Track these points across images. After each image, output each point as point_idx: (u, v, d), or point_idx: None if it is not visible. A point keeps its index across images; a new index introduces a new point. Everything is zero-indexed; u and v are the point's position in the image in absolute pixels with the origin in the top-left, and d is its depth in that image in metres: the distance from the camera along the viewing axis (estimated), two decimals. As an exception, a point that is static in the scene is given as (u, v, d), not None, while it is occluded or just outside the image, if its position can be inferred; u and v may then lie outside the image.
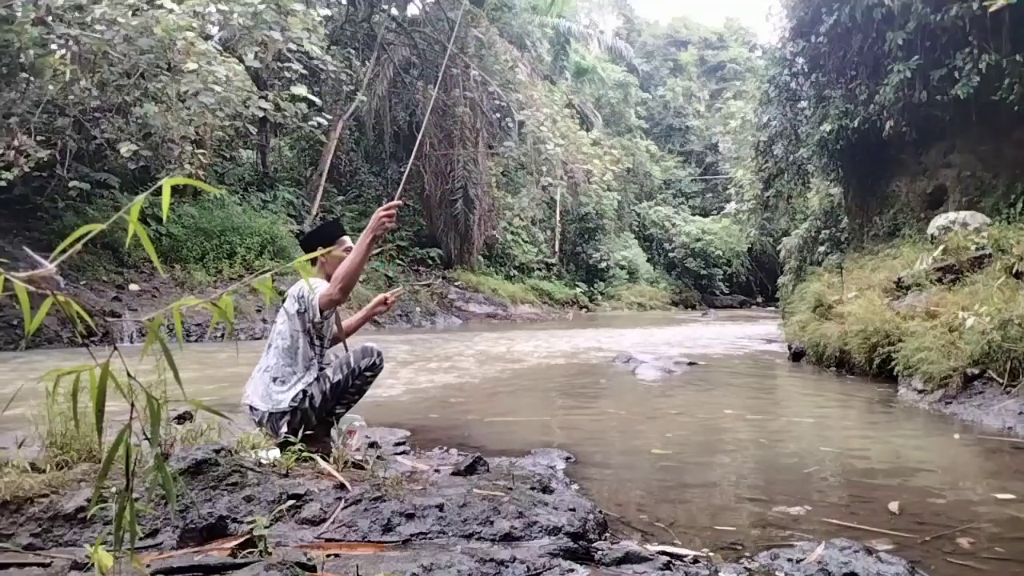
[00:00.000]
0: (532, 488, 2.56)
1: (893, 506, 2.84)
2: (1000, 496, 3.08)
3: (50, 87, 10.27)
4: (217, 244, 14.19)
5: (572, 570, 1.91)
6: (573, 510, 2.36)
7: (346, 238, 3.39)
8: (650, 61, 39.53)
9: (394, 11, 20.56)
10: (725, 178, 29.74)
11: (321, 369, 3.27)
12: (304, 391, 3.18)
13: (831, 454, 3.99)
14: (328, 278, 3.16)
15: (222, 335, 10.78)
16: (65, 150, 10.82)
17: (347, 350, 3.37)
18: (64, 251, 1.06)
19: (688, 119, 38.05)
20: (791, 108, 12.82)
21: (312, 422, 3.18)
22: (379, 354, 3.30)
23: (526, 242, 25.19)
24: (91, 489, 2.21)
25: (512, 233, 24.35)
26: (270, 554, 1.86)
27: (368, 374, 3.29)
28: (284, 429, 3.13)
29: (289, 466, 2.56)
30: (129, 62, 10.31)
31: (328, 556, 1.90)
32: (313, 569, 1.78)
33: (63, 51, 10.02)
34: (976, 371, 5.29)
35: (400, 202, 3.19)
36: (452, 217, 20.62)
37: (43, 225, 11.56)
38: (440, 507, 2.25)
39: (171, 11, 9.88)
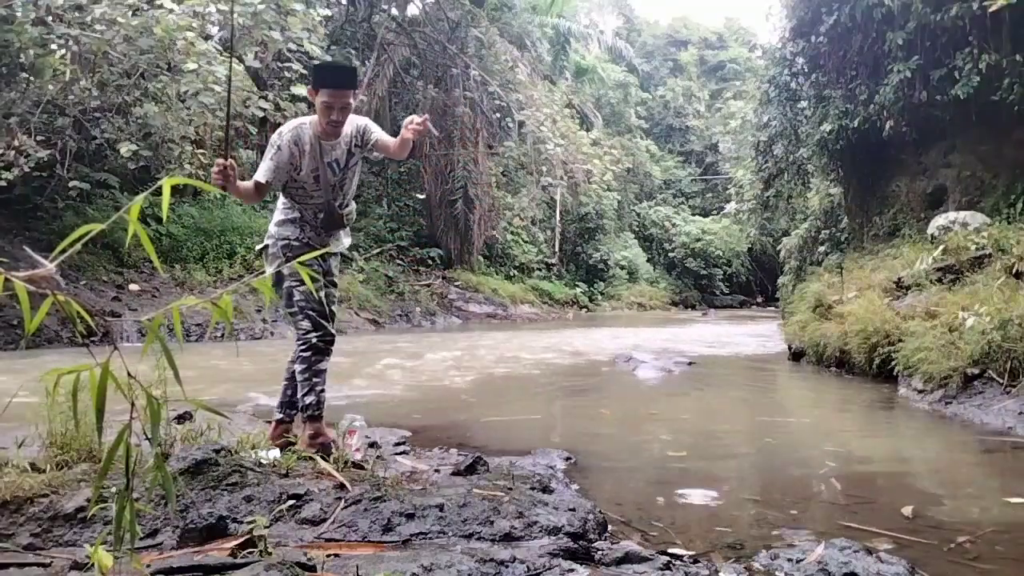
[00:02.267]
0: (532, 488, 2.56)
1: (907, 510, 2.82)
2: (1002, 497, 3.08)
3: (50, 87, 10.26)
4: (217, 244, 14.19)
5: (572, 570, 1.91)
6: (573, 510, 2.36)
7: (329, 91, 3.13)
8: (650, 61, 39.52)
9: (394, 11, 20.56)
10: (725, 178, 29.74)
11: (298, 217, 3.31)
12: (272, 232, 3.36)
13: (831, 454, 3.99)
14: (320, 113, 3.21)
15: (222, 335, 10.78)
16: (65, 150, 10.81)
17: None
18: (64, 251, 1.06)
19: (688, 119, 38.03)
20: (791, 108, 12.83)
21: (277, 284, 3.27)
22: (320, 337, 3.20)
23: (526, 242, 25.18)
24: (91, 489, 2.21)
25: (512, 233, 24.34)
26: (270, 554, 1.86)
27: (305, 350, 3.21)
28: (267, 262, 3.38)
29: (289, 466, 2.56)
30: (129, 62, 10.30)
31: (328, 556, 1.90)
32: (313, 569, 1.78)
33: (63, 51, 10.01)
34: (976, 371, 5.29)
35: (231, 162, 2.97)
36: (452, 217, 20.61)
37: (43, 225, 11.55)
38: (440, 507, 2.25)
39: (171, 11, 9.87)
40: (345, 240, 3.57)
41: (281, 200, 3.37)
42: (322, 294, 3.23)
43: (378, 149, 3.51)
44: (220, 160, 2.96)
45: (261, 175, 3.18)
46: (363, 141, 3.43)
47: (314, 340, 3.17)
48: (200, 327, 10.70)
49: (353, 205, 3.54)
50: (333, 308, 3.43)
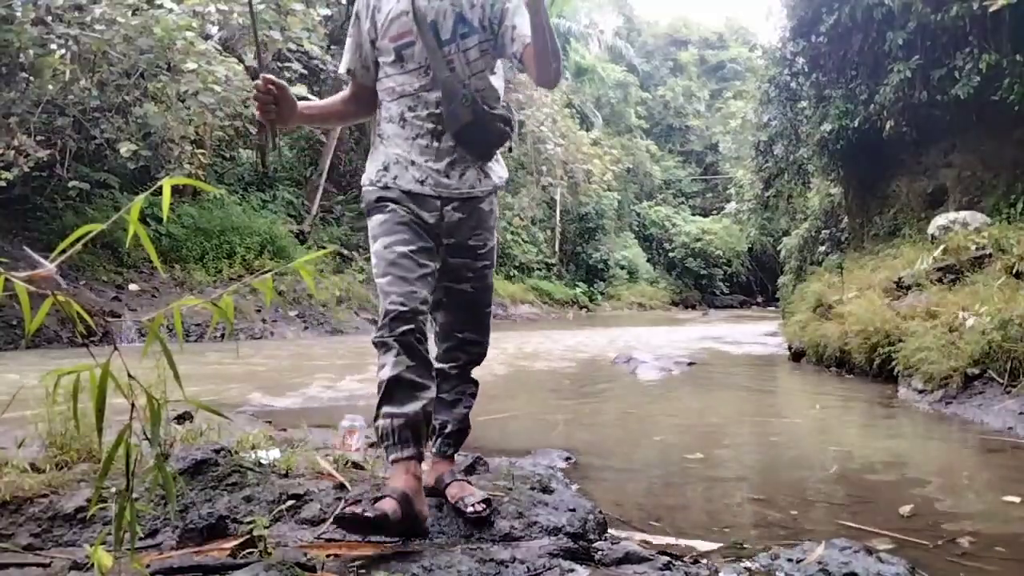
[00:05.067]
0: (532, 488, 2.56)
1: (903, 510, 2.83)
2: (1002, 498, 3.07)
3: (50, 87, 10.26)
4: (217, 244, 14.18)
5: (572, 570, 1.90)
6: (573, 510, 2.36)
7: None
8: (650, 61, 39.54)
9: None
10: (725, 178, 29.76)
11: (383, 136, 2.20)
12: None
13: (831, 454, 3.99)
14: None
15: (222, 335, 10.78)
16: (65, 150, 10.82)
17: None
18: (64, 251, 1.06)
19: (688, 119, 38.08)
20: (791, 108, 12.83)
21: None
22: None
23: (526, 242, 25.18)
24: (91, 489, 2.21)
25: (512, 233, 24.35)
26: (270, 554, 1.86)
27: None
28: None
29: (289, 466, 2.56)
30: (129, 62, 10.31)
31: (328, 556, 1.90)
32: (313, 569, 1.78)
33: (63, 51, 10.02)
34: (976, 371, 5.29)
35: (270, 77, 2.01)
36: (452, 217, 20.60)
37: (43, 225, 11.55)
38: (440, 507, 2.25)
39: (171, 11, 9.88)
40: (493, 177, 2.23)
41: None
42: (407, 251, 2.05)
43: (523, 57, 2.08)
44: (257, 83, 1.99)
45: (342, 65, 2.26)
46: (495, 14, 2.12)
47: (374, 334, 2.07)
48: (200, 327, 10.70)
49: (494, 97, 2.17)
50: (470, 319, 2.32)
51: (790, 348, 9.29)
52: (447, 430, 2.33)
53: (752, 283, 34.62)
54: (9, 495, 2.18)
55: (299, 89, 12.41)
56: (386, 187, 2.15)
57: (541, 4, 1.87)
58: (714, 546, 2.39)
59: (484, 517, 2.08)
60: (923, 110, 9.60)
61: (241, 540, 1.93)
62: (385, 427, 2.03)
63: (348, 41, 2.24)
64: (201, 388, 6.12)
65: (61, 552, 1.99)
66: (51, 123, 10.73)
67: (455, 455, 2.41)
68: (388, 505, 1.89)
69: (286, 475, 2.49)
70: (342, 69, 2.26)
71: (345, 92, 2.27)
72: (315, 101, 2.18)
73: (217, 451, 2.48)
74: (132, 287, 12.03)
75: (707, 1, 68.43)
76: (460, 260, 2.22)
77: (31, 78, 10.21)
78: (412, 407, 2.01)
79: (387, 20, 2.11)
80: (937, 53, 9.30)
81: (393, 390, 2.00)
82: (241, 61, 12.23)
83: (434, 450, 2.33)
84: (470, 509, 2.10)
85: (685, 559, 2.14)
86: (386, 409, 2.02)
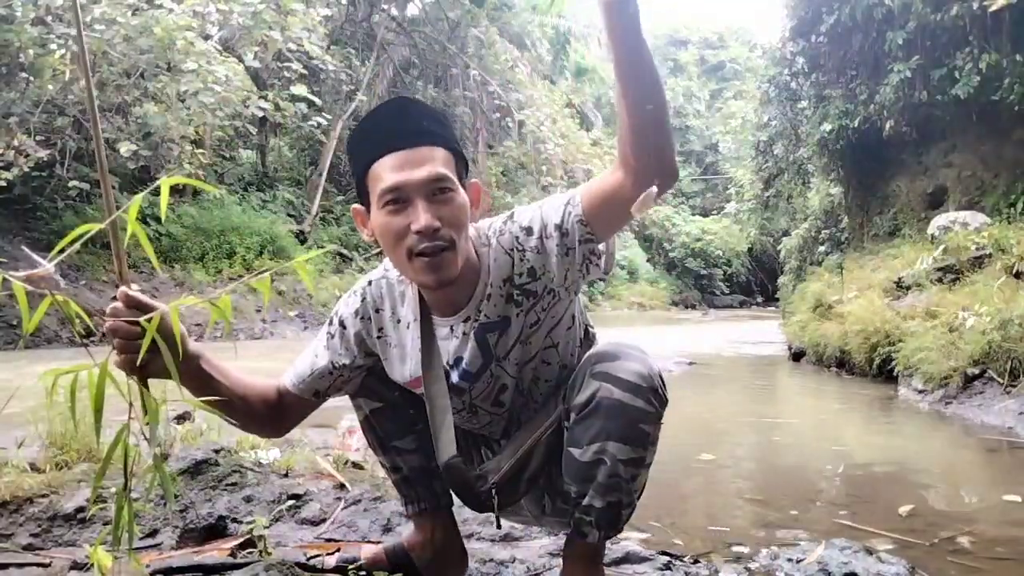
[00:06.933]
0: (532, 488, 2.56)
1: (903, 509, 2.83)
2: (1002, 497, 3.07)
3: (50, 87, 10.26)
4: (217, 244, 14.18)
5: (572, 570, 1.90)
6: (573, 510, 2.35)
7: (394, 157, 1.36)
8: (650, 61, 39.49)
9: (394, 11, 20.56)
10: (725, 178, 29.76)
11: None
12: None
13: (831, 454, 3.99)
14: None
15: (221, 335, 10.78)
16: (65, 150, 10.83)
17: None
18: (63, 250, 1.06)
19: (688, 119, 38.06)
20: (791, 108, 12.82)
21: None
22: None
23: (526, 242, 25.15)
24: (90, 489, 2.21)
25: (512, 233, 24.32)
26: (270, 554, 1.86)
27: None
28: None
29: (289, 466, 2.56)
30: (129, 62, 10.31)
31: (329, 554, 1.90)
32: (313, 569, 1.78)
33: (63, 51, 10.01)
34: (976, 371, 5.29)
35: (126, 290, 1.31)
36: (452, 217, 20.59)
37: (42, 225, 11.55)
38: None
39: (171, 11, 9.88)
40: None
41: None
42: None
43: (588, 209, 1.37)
44: (114, 304, 1.28)
45: (296, 380, 1.61)
46: (541, 264, 1.47)
47: None
48: (199, 327, 10.68)
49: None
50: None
51: (790, 348, 9.29)
52: (583, 500, 1.48)
53: (752, 283, 34.62)
54: (9, 495, 2.18)
55: (299, 89, 12.45)
56: None
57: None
58: (714, 546, 2.39)
59: None
60: (923, 110, 9.60)
61: (241, 540, 1.93)
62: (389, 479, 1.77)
63: (315, 359, 1.59)
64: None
65: (61, 552, 1.99)
66: (51, 123, 10.73)
67: (598, 537, 1.52)
68: (373, 552, 1.81)
69: (286, 475, 2.49)
70: (289, 382, 1.60)
71: (272, 395, 1.60)
72: (224, 369, 1.50)
73: (217, 451, 2.48)
74: (132, 287, 12.03)
75: (707, 1, 68.41)
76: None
77: (31, 78, 10.20)
78: (405, 461, 1.69)
79: (400, 360, 1.57)
80: (937, 53, 9.30)
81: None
82: (241, 61, 12.24)
83: (571, 526, 1.52)
84: None
85: (685, 559, 2.14)
86: (381, 459, 1.72)
